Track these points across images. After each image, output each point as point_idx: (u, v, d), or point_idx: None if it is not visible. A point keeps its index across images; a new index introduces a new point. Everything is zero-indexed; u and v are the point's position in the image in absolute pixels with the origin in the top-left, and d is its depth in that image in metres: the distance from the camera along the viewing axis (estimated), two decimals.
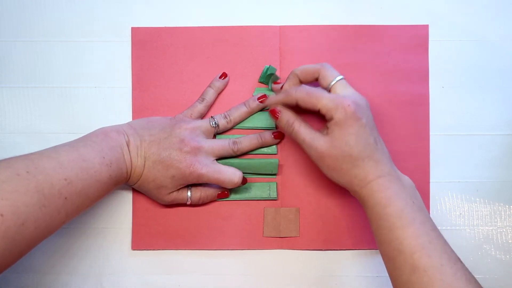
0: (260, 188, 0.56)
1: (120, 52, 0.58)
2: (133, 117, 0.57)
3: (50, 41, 0.58)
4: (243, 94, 0.57)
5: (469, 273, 0.44)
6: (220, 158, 0.55)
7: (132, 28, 0.58)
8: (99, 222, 0.57)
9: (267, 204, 0.57)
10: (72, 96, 0.58)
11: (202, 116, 0.56)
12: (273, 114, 0.52)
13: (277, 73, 0.57)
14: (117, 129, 0.51)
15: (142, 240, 0.56)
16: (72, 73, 0.58)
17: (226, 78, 0.57)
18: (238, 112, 0.56)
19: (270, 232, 0.56)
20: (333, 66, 0.56)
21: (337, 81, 0.50)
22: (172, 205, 0.56)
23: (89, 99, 0.58)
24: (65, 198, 0.43)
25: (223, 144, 0.54)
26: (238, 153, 0.55)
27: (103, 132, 0.50)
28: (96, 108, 0.58)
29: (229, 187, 0.53)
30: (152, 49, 0.58)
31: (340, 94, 0.49)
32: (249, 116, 0.57)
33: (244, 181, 0.54)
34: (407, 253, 0.43)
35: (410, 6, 0.58)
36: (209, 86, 0.57)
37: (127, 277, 0.56)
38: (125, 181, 0.51)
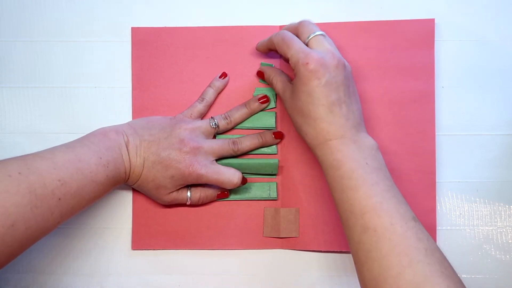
0: (260, 188, 0.56)
1: (120, 52, 0.58)
2: (133, 117, 0.57)
3: (50, 41, 0.58)
4: (243, 94, 0.57)
5: (422, 231, 0.43)
6: (221, 158, 0.55)
7: (132, 28, 0.58)
8: (99, 222, 0.57)
9: (267, 204, 0.57)
10: (72, 96, 0.58)
11: (202, 116, 0.56)
12: (259, 75, 0.56)
13: None
14: (116, 129, 0.51)
15: (142, 240, 0.56)
16: (72, 73, 0.58)
17: (226, 78, 0.57)
18: (239, 113, 0.56)
19: (270, 232, 0.56)
20: None
21: (312, 36, 0.50)
22: (171, 205, 0.56)
23: (89, 99, 0.58)
24: (59, 199, 0.43)
25: (223, 144, 0.54)
26: (238, 153, 0.55)
27: (102, 133, 0.50)
28: (96, 108, 0.58)
29: (229, 188, 0.53)
30: (152, 49, 0.58)
31: (312, 50, 0.48)
32: (250, 117, 0.57)
33: (244, 181, 0.54)
34: (357, 214, 0.44)
35: (410, 6, 0.58)
36: (209, 85, 0.57)
37: (127, 277, 0.56)
38: (123, 182, 0.51)
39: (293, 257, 0.56)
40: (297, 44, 0.49)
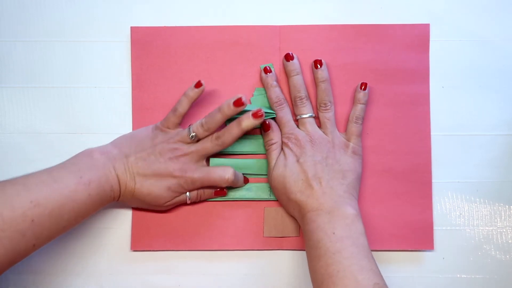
0: (260, 189, 0.56)
1: (120, 52, 0.58)
2: (133, 117, 0.57)
3: (50, 41, 0.58)
4: (243, 94, 0.57)
5: None
6: (212, 157, 0.55)
7: (131, 27, 0.58)
8: (99, 222, 0.57)
9: (267, 204, 0.56)
10: (72, 96, 0.58)
11: (177, 126, 0.54)
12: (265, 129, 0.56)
13: (276, 73, 0.57)
14: (101, 149, 0.51)
15: (141, 240, 0.56)
16: (72, 73, 0.58)
17: (201, 87, 0.54)
18: (214, 120, 0.52)
19: (270, 232, 0.56)
20: (333, 66, 0.57)
21: (299, 118, 0.55)
22: None
23: (89, 99, 0.58)
24: (32, 220, 0.43)
25: (204, 142, 0.53)
26: (224, 145, 0.53)
27: (85, 154, 0.50)
28: (96, 108, 0.58)
29: (225, 185, 0.53)
30: (152, 49, 0.58)
31: (295, 130, 0.54)
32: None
33: (246, 180, 0.55)
34: (318, 283, 0.46)
35: (410, 6, 0.58)
36: (184, 94, 0.54)
37: (127, 277, 0.56)
38: (113, 200, 0.51)
39: (293, 257, 0.56)
40: (287, 126, 0.54)
